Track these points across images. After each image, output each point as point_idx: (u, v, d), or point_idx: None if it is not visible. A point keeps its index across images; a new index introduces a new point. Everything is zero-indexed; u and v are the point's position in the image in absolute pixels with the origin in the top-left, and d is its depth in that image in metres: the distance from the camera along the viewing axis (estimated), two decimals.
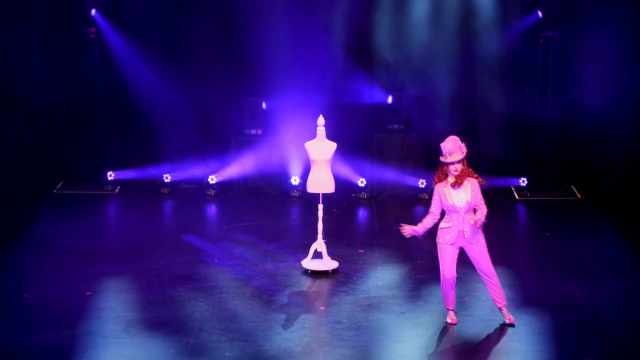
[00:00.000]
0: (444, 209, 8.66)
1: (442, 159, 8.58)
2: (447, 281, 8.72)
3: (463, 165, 8.58)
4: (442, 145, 8.56)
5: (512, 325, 8.77)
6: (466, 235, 8.60)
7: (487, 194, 14.31)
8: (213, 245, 11.74)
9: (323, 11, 14.64)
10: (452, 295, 8.81)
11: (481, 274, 8.71)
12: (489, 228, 12.65)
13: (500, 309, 8.84)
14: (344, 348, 8.37)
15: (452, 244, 8.65)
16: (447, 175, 8.63)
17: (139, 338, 8.55)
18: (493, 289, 8.73)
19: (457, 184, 8.55)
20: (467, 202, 8.54)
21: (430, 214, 8.72)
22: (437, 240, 8.75)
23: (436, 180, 8.67)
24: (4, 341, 8.40)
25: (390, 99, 14.80)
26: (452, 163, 8.52)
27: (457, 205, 8.54)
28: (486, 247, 8.71)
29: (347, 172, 14.21)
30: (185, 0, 14.87)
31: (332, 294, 9.87)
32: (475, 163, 14.66)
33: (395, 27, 14.72)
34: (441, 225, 8.72)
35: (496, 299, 8.77)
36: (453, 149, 8.51)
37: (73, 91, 14.46)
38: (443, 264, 8.71)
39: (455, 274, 8.72)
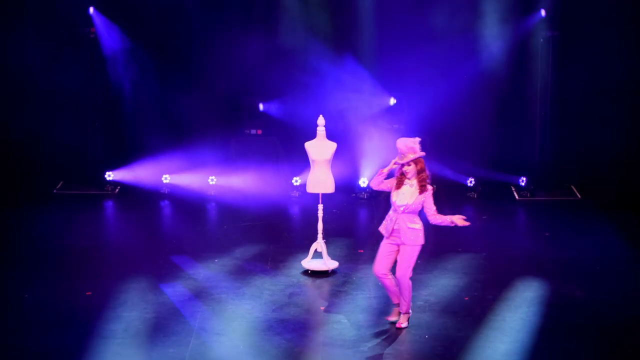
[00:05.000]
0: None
1: (397, 158, 8.59)
2: (375, 274, 8.78)
3: (418, 167, 8.55)
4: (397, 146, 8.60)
5: (399, 328, 8.75)
6: (400, 236, 8.59)
7: (487, 194, 14.51)
8: (213, 245, 11.73)
9: (324, 11, 14.64)
10: (389, 290, 8.81)
11: (396, 276, 8.71)
12: (489, 227, 12.74)
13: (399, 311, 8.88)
14: (344, 348, 8.37)
15: (386, 238, 8.70)
16: (403, 174, 8.63)
17: (139, 338, 8.55)
18: (403, 294, 8.71)
19: (402, 184, 8.57)
20: (407, 203, 8.54)
21: (378, 180, 8.70)
22: None
23: (396, 174, 8.64)
24: (4, 341, 8.40)
25: (392, 101, 14.79)
26: (404, 165, 8.53)
27: (397, 204, 8.57)
28: (414, 255, 8.60)
29: (347, 172, 14.19)
30: (185, 1, 14.86)
31: (332, 294, 9.87)
32: (475, 163, 14.87)
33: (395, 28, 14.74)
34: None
35: (402, 303, 8.78)
36: (403, 150, 8.53)
37: (73, 91, 14.46)
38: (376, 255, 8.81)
39: (382, 270, 8.69)
